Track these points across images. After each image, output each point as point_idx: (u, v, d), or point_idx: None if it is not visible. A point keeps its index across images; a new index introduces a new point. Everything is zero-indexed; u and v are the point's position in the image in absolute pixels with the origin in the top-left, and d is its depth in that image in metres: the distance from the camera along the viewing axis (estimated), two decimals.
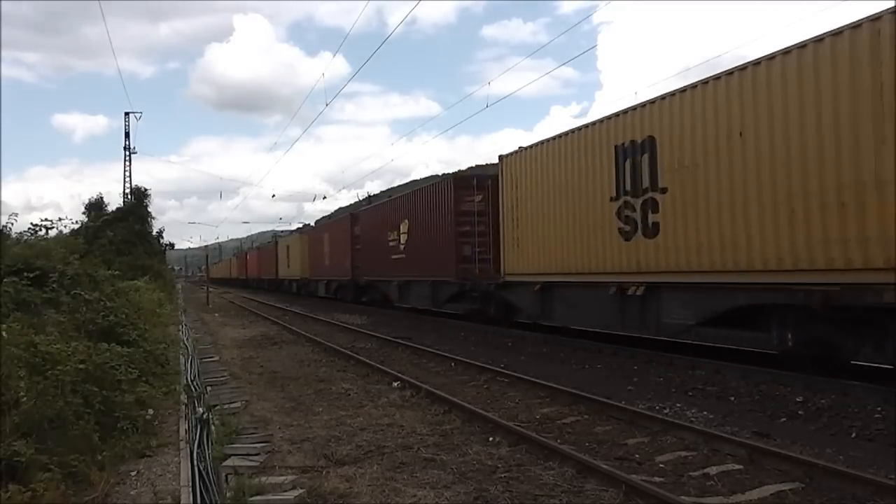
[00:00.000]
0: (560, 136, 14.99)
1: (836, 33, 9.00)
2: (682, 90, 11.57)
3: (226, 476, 6.29)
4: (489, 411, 8.93)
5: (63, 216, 57.37)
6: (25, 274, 11.37)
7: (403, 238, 24.81)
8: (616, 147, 13.08)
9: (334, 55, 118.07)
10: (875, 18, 8.55)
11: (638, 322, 12.91)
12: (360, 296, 32.82)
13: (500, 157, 17.72)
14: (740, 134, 10.40)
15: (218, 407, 9.04)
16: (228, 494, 5.70)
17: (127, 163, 42.66)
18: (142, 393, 8.32)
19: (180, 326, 20.14)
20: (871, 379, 9.25)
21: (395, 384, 11.28)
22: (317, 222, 54.31)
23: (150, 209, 40.18)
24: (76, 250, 15.41)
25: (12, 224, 16.15)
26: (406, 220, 24.56)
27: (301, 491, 5.97)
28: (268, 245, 63.87)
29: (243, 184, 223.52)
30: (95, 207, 38.53)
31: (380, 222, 28.20)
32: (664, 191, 11.99)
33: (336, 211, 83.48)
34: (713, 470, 6.37)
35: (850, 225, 8.80)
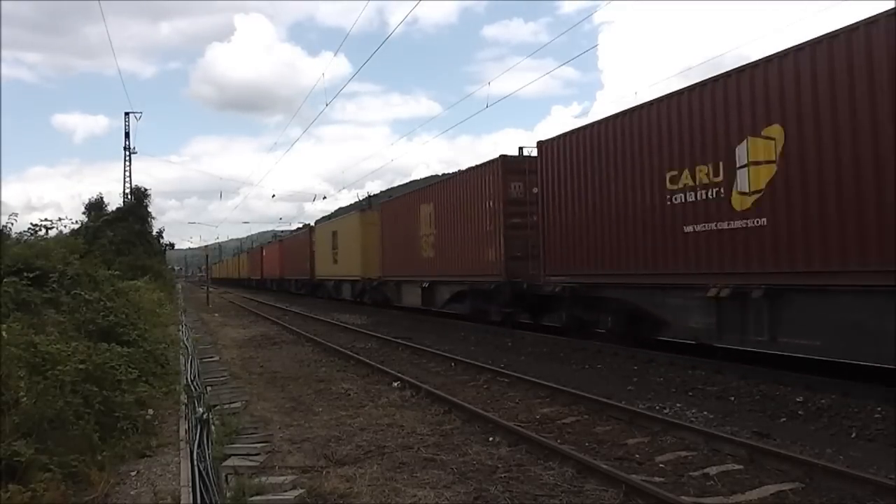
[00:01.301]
0: None
1: None
2: None
3: (226, 476, 6.29)
4: (489, 411, 8.94)
5: (63, 216, 57.43)
6: (25, 274, 11.36)
7: (757, 177, 10.07)
8: None
9: (335, 55, 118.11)
10: None
11: None
12: (521, 308, 17.91)
13: None
14: None
15: (218, 407, 9.04)
16: (228, 494, 5.71)
17: (127, 163, 42.71)
18: (142, 393, 8.32)
19: (180, 326, 20.13)
20: (871, 379, 9.25)
21: (396, 384, 11.28)
22: (317, 223, 50.68)
23: (150, 209, 40.19)
24: (76, 250, 15.38)
25: (12, 224, 16.11)
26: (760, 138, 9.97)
27: (301, 491, 5.98)
28: (297, 235, 49.70)
29: (243, 184, 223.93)
30: (95, 207, 38.52)
31: (619, 163, 13.31)
32: None
33: (336, 210, 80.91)
34: (713, 470, 6.38)
35: None
